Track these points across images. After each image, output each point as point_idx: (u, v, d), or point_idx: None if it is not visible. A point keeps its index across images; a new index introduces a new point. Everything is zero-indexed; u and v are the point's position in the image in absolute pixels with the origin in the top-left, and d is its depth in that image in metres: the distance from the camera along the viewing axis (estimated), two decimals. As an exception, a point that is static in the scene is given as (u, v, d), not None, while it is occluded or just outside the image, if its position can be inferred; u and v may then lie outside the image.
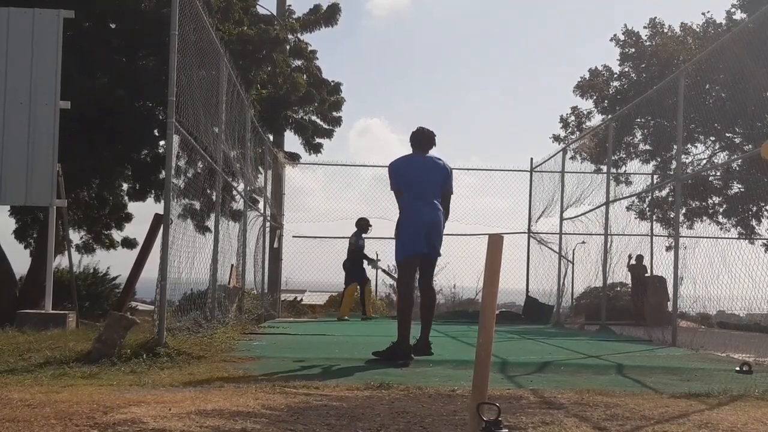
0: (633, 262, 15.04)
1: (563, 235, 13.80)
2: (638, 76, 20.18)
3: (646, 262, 15.67)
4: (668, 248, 15.77)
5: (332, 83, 18.02)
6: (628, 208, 16.53)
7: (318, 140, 18.11)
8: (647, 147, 19.71)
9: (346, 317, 13.35)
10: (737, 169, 17.54)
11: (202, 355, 6.02)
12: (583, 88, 20.97)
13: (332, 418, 3.65)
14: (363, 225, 13.82)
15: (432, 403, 4.17)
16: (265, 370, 5.44)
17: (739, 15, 18.51)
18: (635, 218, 17.46)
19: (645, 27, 20.42)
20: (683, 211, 17.30)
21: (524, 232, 15.72)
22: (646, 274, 15.38)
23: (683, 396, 4.66)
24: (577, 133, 20.58)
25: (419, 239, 6.47)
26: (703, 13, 26.86)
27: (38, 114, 8.95)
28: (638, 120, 18.50)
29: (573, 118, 21.59)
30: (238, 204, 12.66)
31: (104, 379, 4.82)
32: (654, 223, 18.03)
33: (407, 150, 6.81)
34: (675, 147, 10.19)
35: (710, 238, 13.24)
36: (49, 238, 9.16)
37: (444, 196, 6.70)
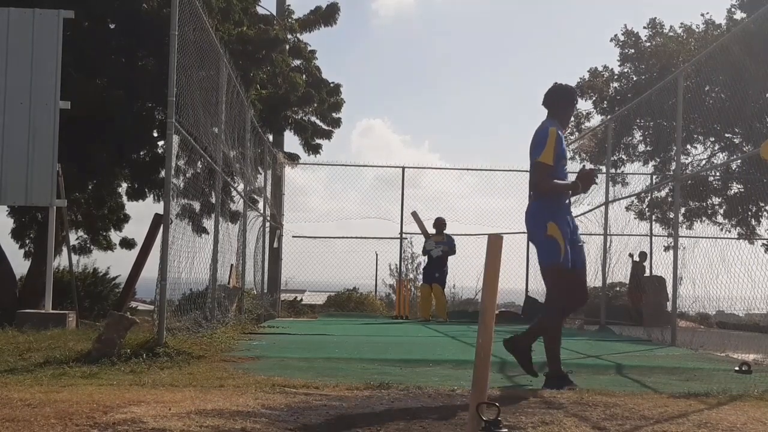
0: (636, 258, 15.03)
1: (563, 235, 13.78)
2: (638, 77, 20.19)
3: (646, 262, 15.67)
4: (667, 248, 15.78)
5: (332, 84, 18.04)
6: (627, 209, 16.53)
7: (317, 141, 18.14)
8: (647, 147, 19.72)
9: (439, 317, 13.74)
10: (736, 169, 17.55)
11: (202, 354, 6.03)
12: (582, 89, 20.96)
13: (332, 417, 3.66)
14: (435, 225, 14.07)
15: (432, 403, 4.17)
16: (265, 369, 5.45)
17: (739, 15, 18.52)
18: (634, 218, 17.47)
19: (645, 27, 20.44)
20: (682, 211, 17.30)
21: (524, 232, 15.71)
22: (645, 274, 15.37)
23: (682, 396, 4.66)
24: (576, 133, 20.59)
25: None
26: (702, 14, 26.88)
27: (38, 114, 8.96)
28: (638, 120, 18.51)
29: (572, 118, 21.59)
30: (237, 204, 12.68)
31: (104, 379, 4.82)
32: (653, 223, 18.04)
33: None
34: (674, 147, 10.19)
35: (709, 238, 13.25)
36: (49, 238, 9.16)
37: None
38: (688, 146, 18.17)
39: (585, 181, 5.15)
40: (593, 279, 12.77)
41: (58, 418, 3.40)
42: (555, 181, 5.02)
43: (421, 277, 15.43)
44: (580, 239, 5.26)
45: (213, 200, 9.79)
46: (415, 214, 14.56)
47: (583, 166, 5.22)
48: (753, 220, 17.96)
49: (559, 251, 4.93)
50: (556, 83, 5.38)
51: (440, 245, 13.71)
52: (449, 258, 13.87)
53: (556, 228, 4.96)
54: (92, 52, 11.47)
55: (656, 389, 5.01)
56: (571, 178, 5.25)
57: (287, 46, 16.12)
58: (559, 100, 5.26)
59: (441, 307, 13.80)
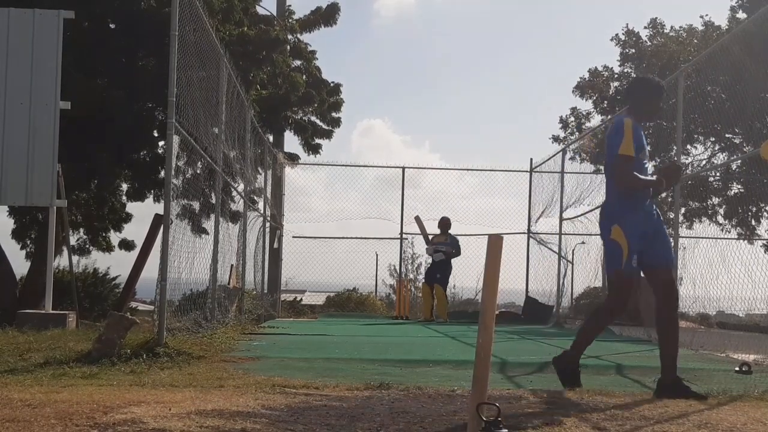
0: None
1: (563, 236, 13.82)
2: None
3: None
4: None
5: (332, 84, 18.05)
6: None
7: (317, 141, 18.16)
8: (647, 147, 19.69)
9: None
10: (737, 169, 17.54)
11: (202, 355, 6.03)
12: (582, 89, 20.96)
13: (332, 418, 3.66)
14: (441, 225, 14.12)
15: (432, 403, 4.17)
16: (265, 370, 5.45)
17: (741, 15, 18.52)
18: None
19: (646, 27, 20.44)
20: (682, 211, 17.29)
21: (524, 233, 15.73)
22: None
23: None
24: (577, 133, 20.59)
25: None
26: (702, 16, 26.92)
27: (38, 114, 8.96)
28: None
29: (572, 118, 21.61)
30: (238, 204, 12.68)
31: (104, 379, 4.82)
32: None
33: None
34: (674, 147, 10.19)
35: (709, 238, 13.23)
36: (49, 238, 9.17)
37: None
38: (689, 146, 18.16)
39: (670, 177, 4.92)
40: (593, 279, 12.78)
41: (59, 418, 3.40)
42: (638, 176, 4.79)
43: (421, 277, 15.47)
44: (664, 233, 4.93)
45: (213, 200, 9.79)
46: (417, 219, 14.61)
47: (669, 159, 4.87)
48: (753, 220, 17.96)
49: (621, 257, 4.73)
50: (636, 76, 5.25)
51: (442, 246, 13.72)
52: (454, 258, 13.89)
53: (621, 233, 4.74)
54: (92, 52, 11.48)
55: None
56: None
57: (288, 47, 16.13)
58: (635, 92, 5.04)
59: (442, 308, 13.81)
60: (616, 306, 4.91)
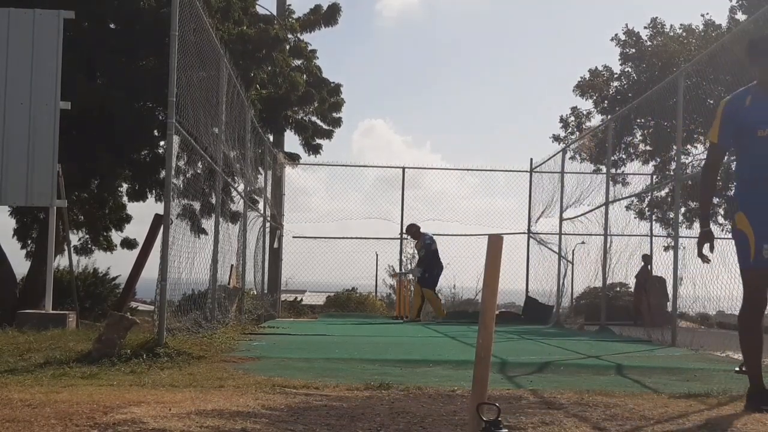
0: (642, 263, 14.98)
1: (563, 236, 13.82)
2: (638, 76, 20.17)
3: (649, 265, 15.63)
4: (667, 248, 15.77)
5: (332, 84, 18.06)
6: (627, 208, 16.53)
7: (317, 141, 18.17)
8: (647, 147, 19.72)
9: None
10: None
11: (202, 355, 6.03)
12: (583, 88, 20.96)
13: (332, 418, 3.66)
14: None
15: (432, 403, 4.17)
16: (265, 370, 5.45)
17: (740, 16, 18.50)
18: (635, 218, 17.47)
19: (646, 27, 20.43)
20: (682, 211, 17.29)
21: (524, 233, 15.73)
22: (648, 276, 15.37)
23: (682, 396, 4.66)
24: (577, 133, 20.59)
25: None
26: (702, 15, 26.90)
27: (38, 114, 8.96)
28: (638, 120, 18.50)
29: (573, 118, 21.60)
30: (238, 205, 12.68)
31: (104, 379, 4.82)
32: (653, 223, 18.03)
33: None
34: (675, 147, 10.19)
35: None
36: (49, 238, 9.17)
37: None
38: (689, 146, 18.16)
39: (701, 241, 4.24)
40: (593, 279, 12.78)
41: (59, 418, 3.40)
42: (706, 174, 4.32)
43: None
44: None
45: (213, 200, 9.80)
46: (397, 275, 15.16)
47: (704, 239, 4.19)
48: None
49: (749, 250, 4.01)
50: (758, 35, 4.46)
51: (421, 251, 13.94)
52: (449, 254, 14.15)
53: (745, 219, 4.05)
54: (92, 53, 11.49)
55: (656, 390, 5.00)
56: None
57: (287, 46, 16.13)
58: (750, 57, 4.31)
59: (435, 308, 13.87)
60: (752, 309, 4.12)
